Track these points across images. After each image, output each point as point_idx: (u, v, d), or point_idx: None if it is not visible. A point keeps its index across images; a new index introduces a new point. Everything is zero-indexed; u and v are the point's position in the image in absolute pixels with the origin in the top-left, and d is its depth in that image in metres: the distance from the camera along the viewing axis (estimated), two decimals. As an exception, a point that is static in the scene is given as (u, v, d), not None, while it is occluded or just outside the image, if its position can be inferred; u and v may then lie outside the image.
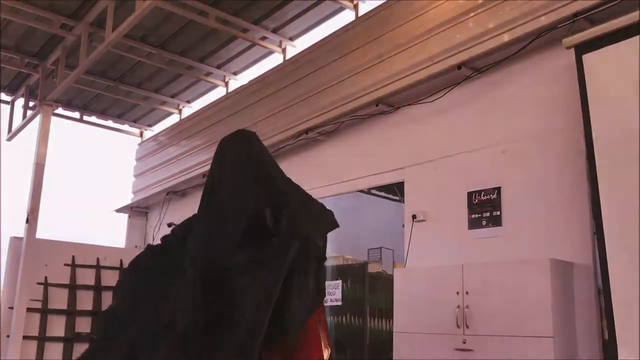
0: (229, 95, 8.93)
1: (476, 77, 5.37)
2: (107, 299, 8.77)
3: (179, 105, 10.33)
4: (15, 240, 8.31)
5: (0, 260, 8.44)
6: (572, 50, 4.33)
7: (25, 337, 7.88)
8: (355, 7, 7.09)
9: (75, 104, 10.27)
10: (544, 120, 4.80)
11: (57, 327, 8.34)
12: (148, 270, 3.09)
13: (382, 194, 6.88)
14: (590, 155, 4.08)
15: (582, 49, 4.26)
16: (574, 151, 4.49)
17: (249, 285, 2.52)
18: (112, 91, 9.70)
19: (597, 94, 4.14)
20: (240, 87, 8.61)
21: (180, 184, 9.53)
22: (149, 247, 3.35)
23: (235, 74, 9.12)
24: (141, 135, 11.40)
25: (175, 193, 9.90)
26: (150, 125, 11.23)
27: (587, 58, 4.22)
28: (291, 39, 8.05)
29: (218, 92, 9.46)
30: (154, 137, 10.80)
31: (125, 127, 11.17)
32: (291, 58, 7.71)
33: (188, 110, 10.26)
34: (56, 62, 8.30)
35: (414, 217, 5.69)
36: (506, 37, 4.88)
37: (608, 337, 3.84)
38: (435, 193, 5.59)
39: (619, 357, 3.65)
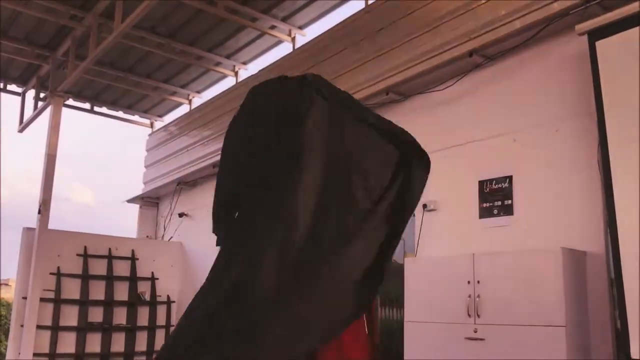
0: (238, 85, 8.92)
1: (487, 64, 5.32)
2: (118, 289, 8.85)
3: (188, 95, 10.34)
4: (27, 231, 8.37)
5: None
6: (585, 37, 4.27)
7: (38, 327, 7.96)
8: (365, -5, 7.04)
9: (86, 95, 10.30)
10: (556, 107, 4.76)
11: (70, 316, 8.42)
12: None
13: (393, 183, 6.85)
14: (604, 143, 4.04)
15: (595, 35, 4.20)
16: (586, 139, 4.44)
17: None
18: (122, 82, 9.72)
19: (610, 80, 4.09)
20: (250, 76, 8.59)
21: (190, 174, 9.54)
22: None
23: (244, 63, 9.11)
24: (151, 125, 11.42)
25: (186, 183, 9.93)
26: (160, 116, 11.26)
27: (600, 44, 4.17)
28: (301, 27, 8.02)
29: (228, 82, 9.47)
30: (164, 128, 10.82)
31: (136, 117, 11.22)
32: (301, 47, 7.68)
33: (198, 100, 10.27)
34: (66, 53, 8.32)
35: (424, 206, 5.66)
36: (518, 24, 4.82)
37: (621, 327, 3.81)
38: (446, 182, 5.56)
39: (632, 357, 3.62)
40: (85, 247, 8.77)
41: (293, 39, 8.10)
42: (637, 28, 3.94)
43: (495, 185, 5.08)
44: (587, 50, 4.26)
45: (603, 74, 4.12)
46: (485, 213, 5.12)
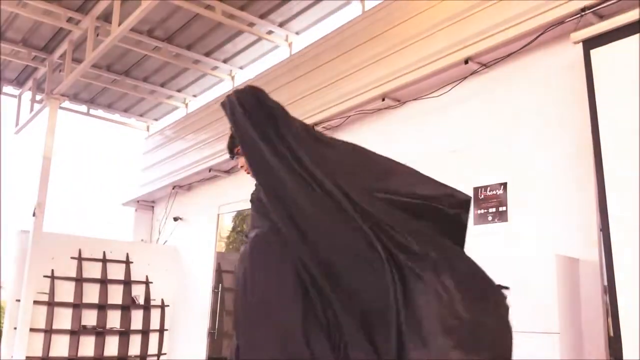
0: (235, 89, 8.92)
1: (483, 71, 5.34)
2: (113, 292, 8.83)
3: (185, 99, 10.34)
4: (22, 234, 8.35)
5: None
6: (580, 45, 4.30)
7: (32, 330, 7.93)
8: (362, 1, 7.07)
9: (82, 97, 10.30)
10: (551, 115, 4.78)
11: (64, 319, 8.39)
12: None
13: (388, 189, 6.86)
14: (598, 151, 4.06)
15: (590, 44, 4.23)
16: (580, 146, 4.46)
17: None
18: (119, 85, 9.72)
19: (605, 89, 4.11)
20: (247, 81, 8.60)
21: (186, 178, 9.54)
22: None
23: (241, 68, 9.11)
24: (147, 129, 11.41)
25: (181, 187, 9.92)
26: (156, 119, 11.25)
27: (595, 53, 4.19)
28: (297, 33, 8.03)
29: (224, 86, 9.47)
30: (161, 131, 10.81)
31: (132, 120, 11.20)
32: (297, 52, 7.69)
33: (194, 104, 10.26)
34: (63, 55, 8.32)
35: (420, 212, 5.66)
36: (513, 32, 4.85)
37: (614, 333, 3.82)
38: (441, 188, 5.57)
39: (624, 357, 3.63)
40: (79, 250, 8.75)
41: (290, 44, 8.12)
42: (632, 37, 3.97)
43: (490, 191, 5.09)
44: (582, 59, 4.28)
45: (598, 82, 4.14)
46: (479, 219, 5.14)
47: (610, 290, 3.83)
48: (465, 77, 5.43)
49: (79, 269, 8.67)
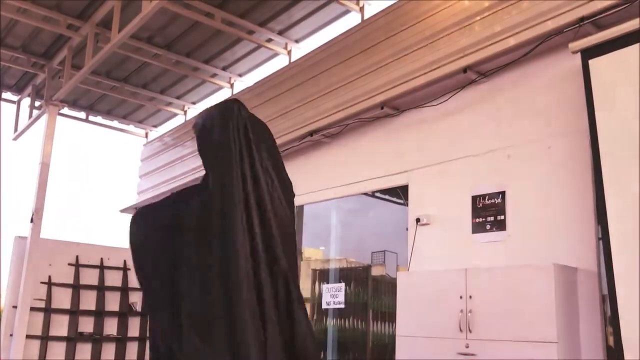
0: (234, 97, 8.94)
1: (482, 80, 5.36)
2: (110, 299, 8.81)
3: (184, 106, 10.36)
4: (19, 240, 8.34)
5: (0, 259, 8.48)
6: (578, 55, 4.32)
7: (28, 336, 7.91)
8: (361, 10, 7.10)
9: (81, 104, 10.31)
10: (550, 124, 4.79)
11: (60, 326, 8.38)
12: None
13: (386, 197, 6.87)
14: (596, 160, 4.07)
15: (589, 53, 4.24)
16: (579, 155, 4.47)
17: None
18: (118, 92, 9.73)
19: (603, 98, 4.13)
20: (246, 88, 8.62)
21: (184, 185, 9.52)
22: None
23: (240, 75, 9.13)
24: (146, 136, 11.42)
25: (179, 194, 9.91)
26: (155, 126, 11.26)
27: (593, 63, 4.21)
28: (297, 41, 8.05)
29: (223, 94, 9.48)
30: (159, 138, 10.82)
31: (131, 127, 11.21)
32: (297, 60, 7.71)
33: (193, 111, 10.28)
34: (62, 62, 8.34)
35: (417, 220, 5.68)
36: (512, 41, 4.87)
37: (614, 343, 3.82)
38: (440, 197, 5.58)
39: (625, 358, 3.63)
40: (77, 257, 8.74)
41: (289, 52, 8.14)
42: (631, 47, 3.99)
43: (488, 200, 5.10)
44: (580, 68, 4.30)
45: (596, 92, 4.16)
46: (478, 228, 5.14)
47: (611, 300, 3.82)
48: (464, 86, 5.45)
49: (76, 275, 8.66)
